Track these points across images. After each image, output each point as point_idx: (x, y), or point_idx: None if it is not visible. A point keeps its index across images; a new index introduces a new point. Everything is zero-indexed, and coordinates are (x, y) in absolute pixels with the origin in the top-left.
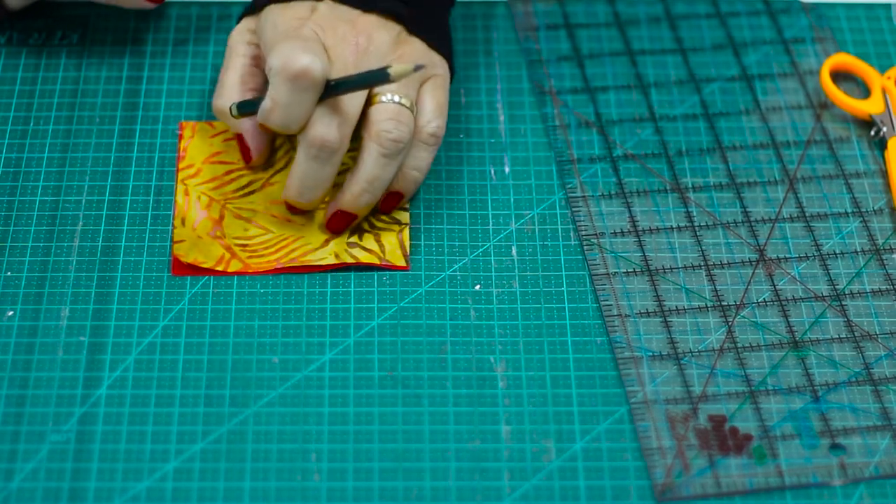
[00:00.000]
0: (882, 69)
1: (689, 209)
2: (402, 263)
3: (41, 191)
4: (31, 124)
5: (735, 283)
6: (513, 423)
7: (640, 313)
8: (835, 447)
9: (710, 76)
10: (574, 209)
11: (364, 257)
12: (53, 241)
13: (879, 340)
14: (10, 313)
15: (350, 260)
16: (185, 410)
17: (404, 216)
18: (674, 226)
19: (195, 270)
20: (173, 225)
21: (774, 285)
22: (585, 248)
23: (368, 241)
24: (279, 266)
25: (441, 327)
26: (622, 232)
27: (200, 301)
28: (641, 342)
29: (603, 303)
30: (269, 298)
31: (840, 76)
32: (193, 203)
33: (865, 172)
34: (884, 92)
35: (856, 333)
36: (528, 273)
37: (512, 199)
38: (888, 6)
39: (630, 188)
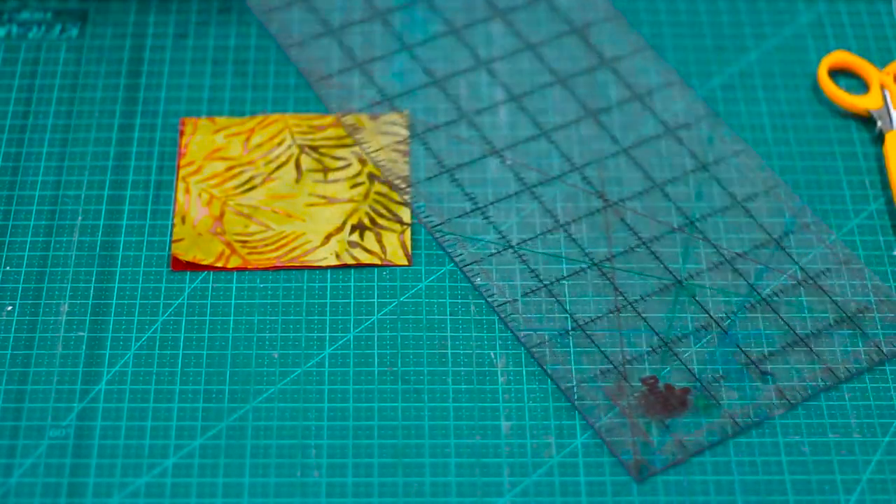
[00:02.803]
0: (883, 64)
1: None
2: (403, 263)
3: (40, 185)
4: (31, 119)
5: (597, 237)
6: (513, 418)
7: (526, 293)
8: (763, 375)
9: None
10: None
11: (365, 258)
12: (52, 237)
13: (749, 257)
14: (10, 308)
15: (351, 261)
16: (184, 406)
17: (406, 215)
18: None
19: (194, 266)
20: (173, 223)
21: (630, 227)
22: (441, 239)
23: (370, 240)
24: (279, 263)
25: (441, 322)
26: (466, 213)
27: (200, 296)
28: (542, 322)
29: (485, 292)
30: (269, 293)
31: (838, 72)
32: (194, 200)
33: (863, 168)
34: (882, 87)
35: (725, 256)
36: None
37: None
38: (889, 0)
39: None
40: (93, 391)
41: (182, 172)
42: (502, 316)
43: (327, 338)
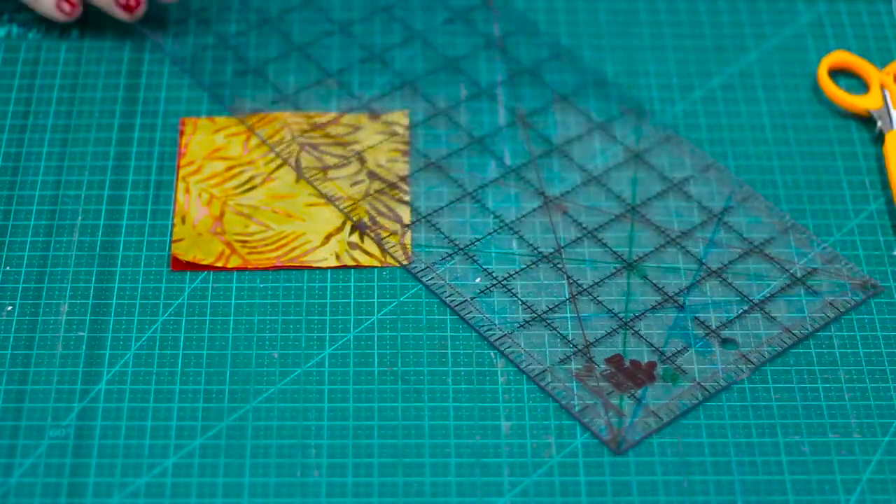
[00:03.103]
0: (883, 63)
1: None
2: (404, 263)
3: (40, 185)
4: (31, 119)
5: (544, 232)
6: (513, 418)
7: (482, 291)
8: (725, 343)
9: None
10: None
11: (365, 261)
12: (52, 237)
13: (693, 235)
14: (10, 308)
15: (350, 262)
16: (184, 406)
17: (406, 214)
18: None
19: (194, 266)
20: (173, 223)
21: (574, 219)
22: (391, 249)
23: (370, 244)
24: (279, 263)
25: (441, 322)
26: (413, 223)
27: (200, 296)
28: (502, 316)
29: (439, 292)
30: (269, 293)
31: (838, 72)
32: (194, 200)
33: (863, 168)
34: (882, 87)
35: (670, 236)
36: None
37: (513, 193)
38: (889, 0)
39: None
40: (93, 391)
41: (182, 172)
42: (462, 314)
43: (327, 338)
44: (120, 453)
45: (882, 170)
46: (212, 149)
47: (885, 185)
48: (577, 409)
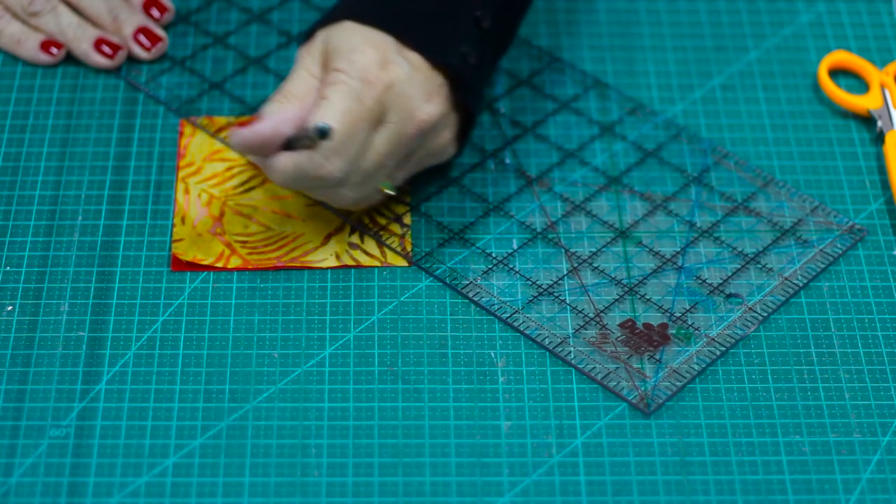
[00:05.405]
0: (883, 63)
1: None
2: (403, 264)
3: (40, 185)
4: (31, 119)
5: (527, 207)
6: (513, 418)
7: (484, 272)
8: (730, 297)
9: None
10: None
11: (365, 261)
12: (53, 237)
13: (677, 198)
14: (10, 308)
15: (351, 262)
16: (184, 405)
17: (407, 217)
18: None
19: (194, 266)
20: (173, 223)
21: (559, 195)
22: (387, 240)
23: (370, 244)
24: (279, 264)
25: (441, 322)
26: (404, 213)
27: (200, 296)
28: (509, 294)
29: (445, 277)
30: (269, 293)
31: (838, 72)
32: (194, 201)
33: (863, 168)
34: (882, 87)
35: (656, 201)
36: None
37: (513, 193)
38: (889, 0)
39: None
40: (93, 391)
41: (182, 174)
42: (470, 296)
43: (327, 338)
44: (120, 453)
45: (882, 170)
46: (211, 150)
47: (885, 185)
48: (599, 375)
